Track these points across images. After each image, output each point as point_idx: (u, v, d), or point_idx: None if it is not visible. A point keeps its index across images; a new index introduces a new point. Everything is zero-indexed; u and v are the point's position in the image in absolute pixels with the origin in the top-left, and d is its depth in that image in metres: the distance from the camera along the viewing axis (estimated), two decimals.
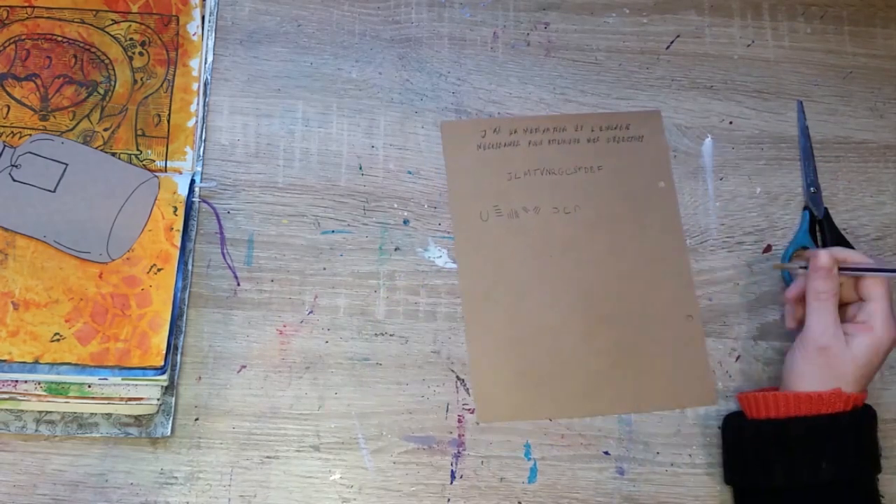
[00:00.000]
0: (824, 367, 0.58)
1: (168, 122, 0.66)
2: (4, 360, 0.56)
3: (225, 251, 0.64)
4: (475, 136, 0.69)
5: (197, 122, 0.66)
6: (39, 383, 0.57)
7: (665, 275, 0.66)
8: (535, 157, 0.69)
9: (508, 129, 0.69)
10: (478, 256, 0.66)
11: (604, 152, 0.69)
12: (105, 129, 0.65)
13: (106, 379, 0.57)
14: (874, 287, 0.59)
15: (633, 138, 0.70)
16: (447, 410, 0.62)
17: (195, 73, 0.68)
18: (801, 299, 0.61)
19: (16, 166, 0.61)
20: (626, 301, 0.65)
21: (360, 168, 0.68)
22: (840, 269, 0.60)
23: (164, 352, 0.57)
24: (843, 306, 0.61)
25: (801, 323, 0.61)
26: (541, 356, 0.64)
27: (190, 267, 0.63)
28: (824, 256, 0.60)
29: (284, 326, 0.63)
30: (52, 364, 0.57)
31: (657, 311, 0.65)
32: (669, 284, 0.66)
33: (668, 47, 0.73)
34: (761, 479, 0.58)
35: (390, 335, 0.63)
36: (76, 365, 0.57)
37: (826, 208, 0.69)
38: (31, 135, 0.63)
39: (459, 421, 0.62)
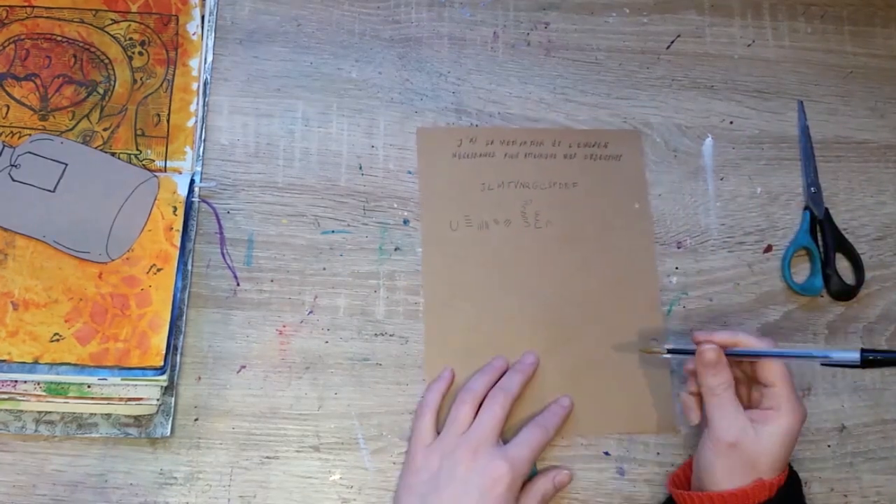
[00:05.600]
0: (739, 461, 0.55)
1: (168, 121, 0.66)
2: (4, 361, 0.56)
3: (225, 251, 0.64)
4: (451, 144, 0.68)
5: (196, 121, 0.66)
6: (39, 383, 0.57)
7: (633, 298, 0.65)
8: (509, 169, 0.67)
9: (485, 139, 0.68)
10: (443, 266, 0.65)
11: (580, 169, 0.68)
12: (105, 129, 0.65)
13: (105, 379, 0.57)
14: (772, 369, 0.56)
15: (610, 157, 0.69)
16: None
17: (195, 73, 0.68)
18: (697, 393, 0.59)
19: (15, 166, 0.61)
20: (590, 322, 0.64)
21: (360, 168, 0.67)
22: (728, 353, 0.57)
23: (164, 352, 0.57)
24: (744, 388, 0.59)
25: (703, 416, 0.58)
26: None
27: (190, 267, 0.63)
28: (709, 352, 0.56)
29: (284, 326, 0.63)
30: (52, 364, 0.57)
31: (621, 334, 0.64)
32: (636, 308, 0.65)
33: (668, 47, 0.73)
34: None
35: (390, 335, 0.63)
36: (76, 365, 0.57)
37: (826, 208, 0.69)
38: (30, 135, 0.63)
39: None
